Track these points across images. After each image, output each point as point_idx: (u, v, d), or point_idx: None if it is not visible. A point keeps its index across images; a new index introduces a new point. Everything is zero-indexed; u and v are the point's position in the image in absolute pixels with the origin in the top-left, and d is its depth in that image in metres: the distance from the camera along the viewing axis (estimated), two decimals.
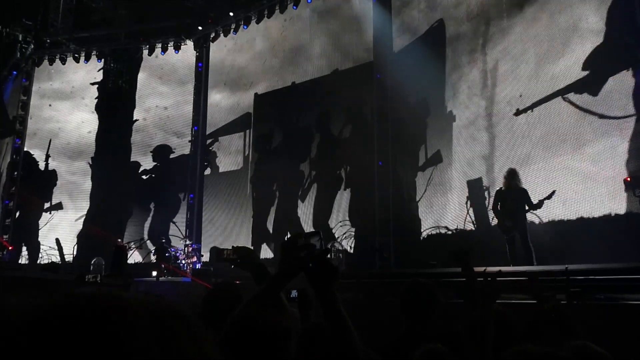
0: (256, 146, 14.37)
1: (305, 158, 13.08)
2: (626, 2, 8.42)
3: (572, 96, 8.92)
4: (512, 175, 7.97)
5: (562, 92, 9.03)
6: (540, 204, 7.79)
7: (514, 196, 7.85)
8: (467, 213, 10.12)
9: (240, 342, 1.42)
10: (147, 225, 15.55)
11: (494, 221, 9.54)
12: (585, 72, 8.73)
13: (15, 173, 17.19)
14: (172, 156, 16.32)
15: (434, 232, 10.63)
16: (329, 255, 1.80)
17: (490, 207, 8.73)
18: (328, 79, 13.14)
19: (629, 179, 7.69)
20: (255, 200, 13.93)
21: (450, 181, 10.57)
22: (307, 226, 12.47)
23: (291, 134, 13.58)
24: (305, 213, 12.78)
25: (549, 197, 7.76)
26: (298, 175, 13.07)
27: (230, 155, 15.33)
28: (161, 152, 16.35)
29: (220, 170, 15.49)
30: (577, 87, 8.85)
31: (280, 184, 13.49)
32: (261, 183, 13.89)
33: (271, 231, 13.29)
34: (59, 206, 16.85)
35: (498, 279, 2.36)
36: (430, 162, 10.94)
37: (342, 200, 12.17)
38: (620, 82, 8.28)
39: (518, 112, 9.67)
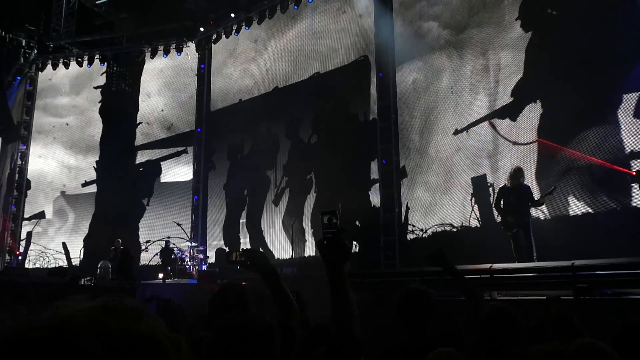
0: (228, 155, 15.21)
1: (272, 165, 13.87)
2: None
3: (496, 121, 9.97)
4: (517, 173, 7.90)
5: (489, 117, 10.03)
6: (542, 200, 7.77)
7: (517, 193, 7.80)
8: (472, 210, 10.10)
9: (223, 342, 1.41)
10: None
11: (500, 217, 9.53)
12: (510, 99, 9.76)
13: (17, 177, 17.27)
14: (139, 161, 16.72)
15: (439, 230, 10.62)
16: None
17: (494, 203, 8.69)
18: (304, 85, 13.73)
19: (634, 173, 7.65)
20: (228, 205, 14.81)
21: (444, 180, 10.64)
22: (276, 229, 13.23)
23: (260, 142, 14.38)
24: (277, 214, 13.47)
25: (550, 192, 7.72)
26: (266, 181, 13.90)
27: (178, 166, 16.21)
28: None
29: (168, 180, 16.29)
30: (500, 113, 9.88)
31: (250, 189, 14.31)
32: (233, 189, 14.79)
33: (243, 233, 14.15)
34: (41, 215, 16.93)
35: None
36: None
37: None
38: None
39: (456, 132, 10.50)
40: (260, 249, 12.25)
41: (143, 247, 13.47)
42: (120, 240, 13.13)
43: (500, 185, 8.34)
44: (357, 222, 11.86)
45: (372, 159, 11.91)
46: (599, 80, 8.53)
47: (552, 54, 9.23)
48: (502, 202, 8.02)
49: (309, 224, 12.49)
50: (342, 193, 11.90)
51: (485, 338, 2.47)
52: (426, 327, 2.69)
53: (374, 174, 11.87)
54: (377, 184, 11.75)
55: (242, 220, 14.30)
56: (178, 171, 16.25)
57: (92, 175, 16.93)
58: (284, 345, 1.98)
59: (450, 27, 11.15)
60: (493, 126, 9.97)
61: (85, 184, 16.89)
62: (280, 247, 13.11)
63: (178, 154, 16.29)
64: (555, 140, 8.89)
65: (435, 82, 11.22)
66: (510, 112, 9.72)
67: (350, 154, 12.12)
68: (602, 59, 8.52)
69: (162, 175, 16.33)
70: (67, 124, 17.48)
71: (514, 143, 9.61)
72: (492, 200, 9.68)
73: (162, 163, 16.40)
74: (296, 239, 12.34)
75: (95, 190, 16.79)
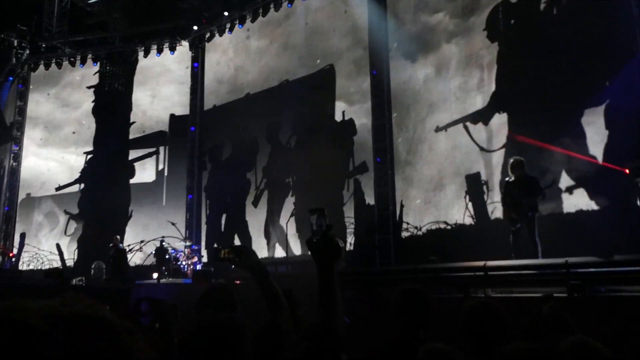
0: (209, 157, 15.65)
1: (251, 167, 14.26)
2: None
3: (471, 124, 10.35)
4: (516, 165, 7.45)
5: (463, 120, 10.40)
6: (542, 194, 7.43)
7: (520, 186, 7.34)
8: (466, 207, 10.12)
9: (191, 343, 1.38)
10: None
11: (494, 214, 9.56)
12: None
13: (10, 178, 17.18)
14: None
15: (433, 228, 10.63)
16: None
17: (502, 199, 8.36)
18: (278, 90, 14.23)
19: (627, 171, 7.67)
20: (210, 207, 15.27)
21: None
22: (257, 230, 13.76)
23: (240, 145, 14.82)
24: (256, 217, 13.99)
25: (550, 186, 7.55)
26: (246, 183, 14.30)
27: (142, 168, 16.56)
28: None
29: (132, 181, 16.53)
30: (474, 117, 10.26)
31: (231, 191, 14.74)
32: (214, 191, 15.24)
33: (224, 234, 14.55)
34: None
35: None
36: (356, 171, 12.29)
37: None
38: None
39: (437, 129, 10.82)
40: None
41: (137, 247, 13.42)
42: (118, 237, 13.11)
43: (506, 179, 7.79)
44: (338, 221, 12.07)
45: (349, 158, 12.46)
46: (565, 92, 8.76)
47: (517, 65, 9.63)
48: (507, 197, 7.66)
49: (295, 225, 12.73)
50: (322, 192, 12.28)
51: (468, 334, 2.45)
52: (421, 329, 2.67)
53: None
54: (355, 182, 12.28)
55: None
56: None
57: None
58: (273, 344, 1.97)
59: (445, 22, 11.16)
60: (467, 129, 10.26)
61: (59, 188, 16.90)
62: (269, 246, 13.32)
63: (150, 155, 16.43)
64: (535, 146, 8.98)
65: (430, 78, 11.23)
66: (483, 117, 10.12)
67: (327, 154, 12.52)
68: (567, 71, 8.78)
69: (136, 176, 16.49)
70: (74, 132, 17.35)
71: (481, 149, 10.04)
72: (486, 198, 9.70)
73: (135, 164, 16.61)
74: (290, 238, 12.41)
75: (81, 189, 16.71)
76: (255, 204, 14.01)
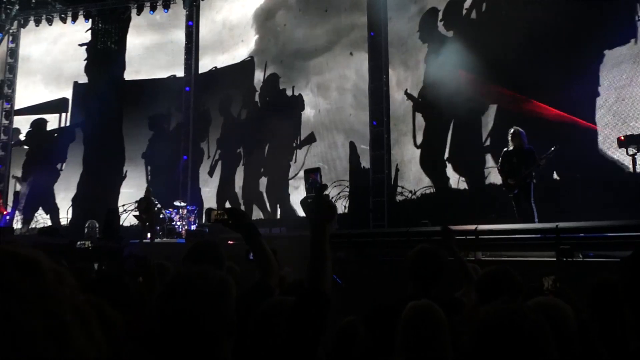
0: (151, 126, 15.91)
1: (204, 138, 15.18)
2: None
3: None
4: (515, 135, 7.55)
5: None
6: (542, 162, 7.42)
7: (519, 155, 7.46)
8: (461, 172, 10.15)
9: (169, 297, 1.36)
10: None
11: (488, 179, 9.59)
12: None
13: (6, 137, 17.06)
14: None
15: (427, 192, 10.67)
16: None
17: (499, 167, 8.40)
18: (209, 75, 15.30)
19: (622, 137, 7.64)
20: (151, 173, 15.67)
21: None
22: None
23: (192, 116, 15.62)
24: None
25: (550, 153, 7.49)
26: (199, 153, 15.24)
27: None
28: (37, 125, 16.91)
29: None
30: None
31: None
32: (156, 159, 15.50)
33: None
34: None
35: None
36: (305, 142, 12.99)
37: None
38: None
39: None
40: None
41: (131, 208, 13.38)
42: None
43: (505, 149, 7.85)
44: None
45: (296, 132, 13.17)
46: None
47: (467, 57, 9.98)
48: (505, 165, 7.80)
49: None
50: (271, 162, 13.25)
51: (485, 299, 2.48)
52: (433, 289, 2.73)
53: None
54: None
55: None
56: None
57: None
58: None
59: None
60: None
61: (15, 144, 17.05)
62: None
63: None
64: None
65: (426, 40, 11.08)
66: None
67: (276, 127, 12.96)
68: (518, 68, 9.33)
69: None
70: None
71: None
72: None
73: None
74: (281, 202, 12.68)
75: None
76: (210, 173, 14.78)
